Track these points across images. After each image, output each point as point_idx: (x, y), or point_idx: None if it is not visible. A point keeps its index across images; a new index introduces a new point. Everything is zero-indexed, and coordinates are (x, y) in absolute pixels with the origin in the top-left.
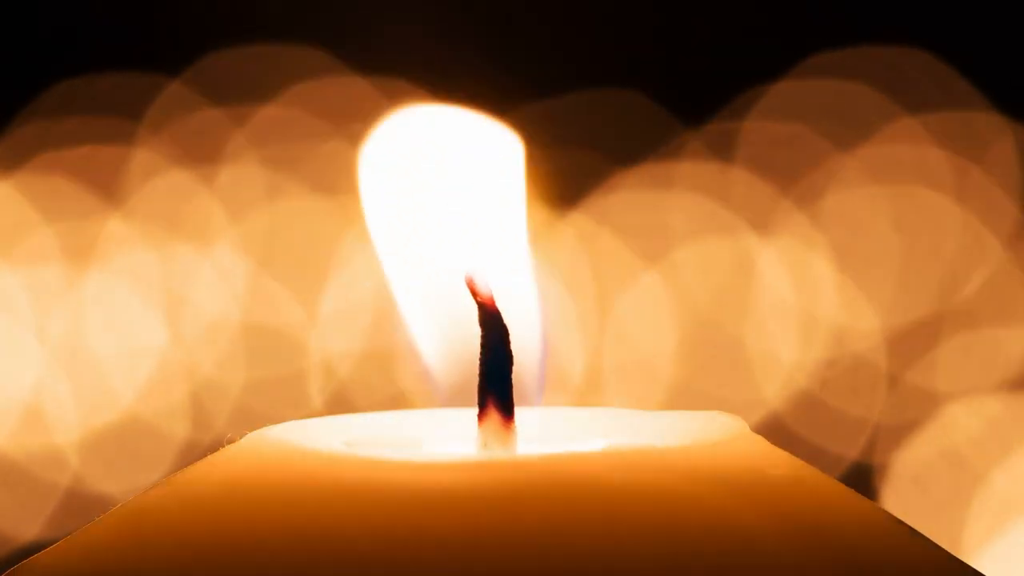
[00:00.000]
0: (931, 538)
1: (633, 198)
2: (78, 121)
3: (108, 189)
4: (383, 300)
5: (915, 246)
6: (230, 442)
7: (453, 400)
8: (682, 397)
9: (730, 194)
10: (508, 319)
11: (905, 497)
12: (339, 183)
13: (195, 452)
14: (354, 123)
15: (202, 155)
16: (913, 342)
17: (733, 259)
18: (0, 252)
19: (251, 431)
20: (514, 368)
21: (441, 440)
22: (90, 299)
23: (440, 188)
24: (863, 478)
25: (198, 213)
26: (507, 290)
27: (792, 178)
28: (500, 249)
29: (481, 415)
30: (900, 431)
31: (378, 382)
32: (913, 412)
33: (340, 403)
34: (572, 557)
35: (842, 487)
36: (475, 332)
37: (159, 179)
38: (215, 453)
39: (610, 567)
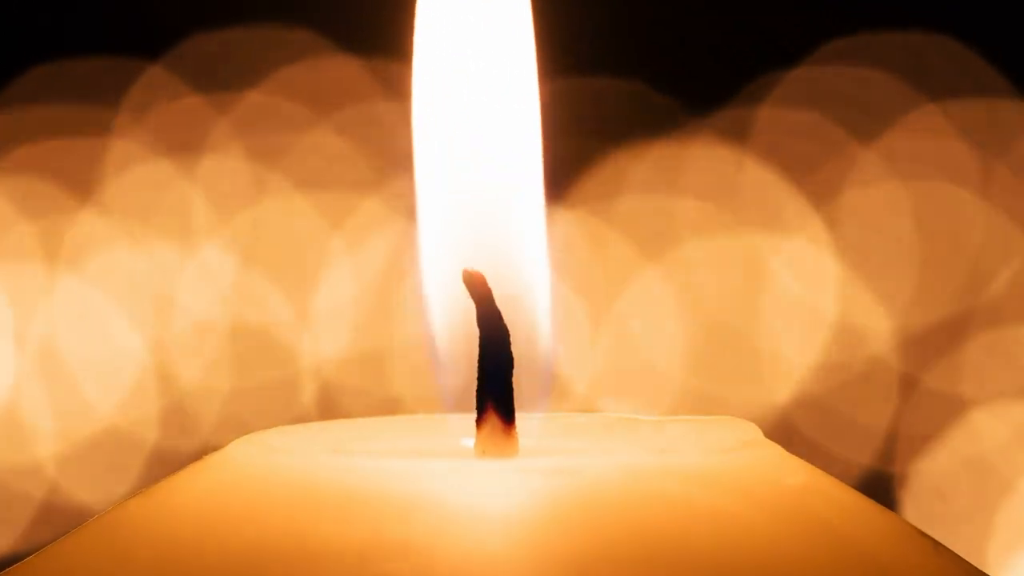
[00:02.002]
0: (954, 551)
1: (638, 191)
2: (50, 110)
3: (82, 182)
4: (375, 301)
5: (937, 243)
6: (214, 449)
7: (455, 402)
8: (691, 401)
9: (741, 187)
10: (509, 317)
11: (926, 507)
12: (330, 175)
13: (177, 460)
14: (346, 110)
15: (183, 145)
16: (935, 344)
17: (744, 256)
18: None
19: (236, 438)
20: (515, 370)
21: (436, 447)
22: (65, 300)
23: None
24: (882, 487)
25: (179, 208)
26: (520, 273)
27: (807, 171)
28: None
29: (479, 420)
30: (921, 438)
31: (370, 386)
32: (935, 418)
33: (330, 408)
34: (574, 571)
35: (860, 497)
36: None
37: (137, 171)
38: (197, 461)
39: None
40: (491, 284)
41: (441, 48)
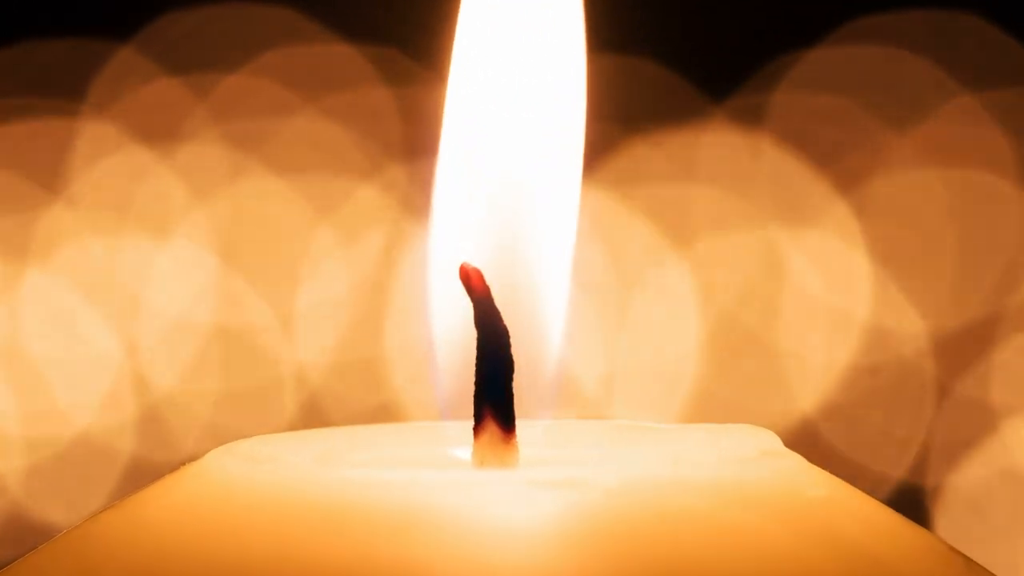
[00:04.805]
0: (988, 568)
1: (650, 181)
2: (13, 97)
3: (50, 173)
4: (365, 300)
5: (970, 238)
6: (192, 460)
7: (451, 409)
8: (707, 407)
9: (760, 177)
10: (509, 317)
11: (960, 523)
12: (317, 164)
13: (152, 472)
14: (332, 95)
15: (157, 133)
16: (968, 347)
17: (763, 251)
18: None
19: (215, 447)
20: (516, 374)
21: (430, 456)
22: (33, 299)
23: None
24: (912, 501)
25: (154, 200)
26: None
27: (831, 159)
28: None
29: (477, 428)
30: (953, 448)
31: (359, 391)
32: (968, 426)
33: (315, 415)
34: None
35: (888, 511)
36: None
37: (108, 161)
38: (174, 472)
39: None
40: (492, 281)
41: (481, 37)
